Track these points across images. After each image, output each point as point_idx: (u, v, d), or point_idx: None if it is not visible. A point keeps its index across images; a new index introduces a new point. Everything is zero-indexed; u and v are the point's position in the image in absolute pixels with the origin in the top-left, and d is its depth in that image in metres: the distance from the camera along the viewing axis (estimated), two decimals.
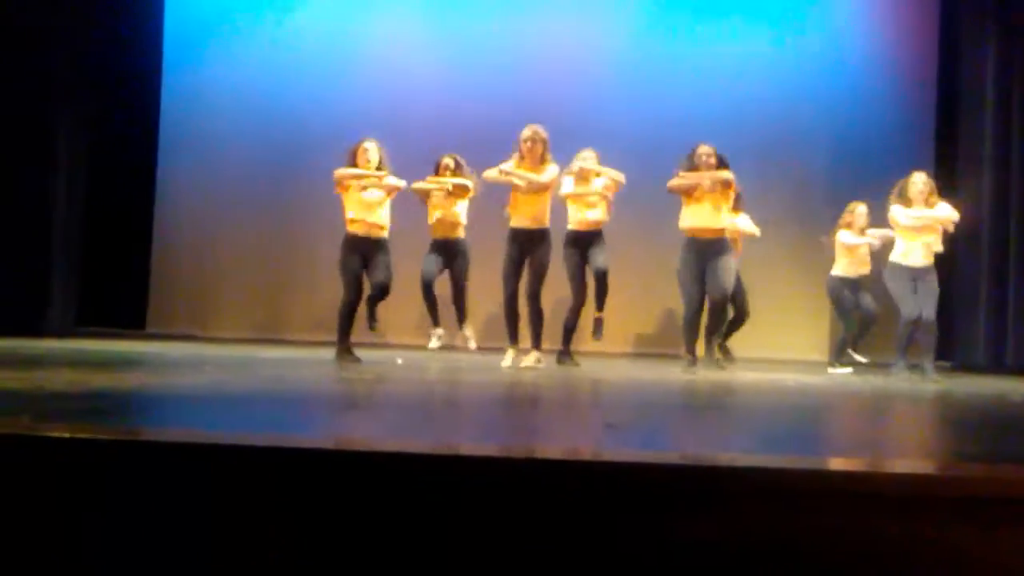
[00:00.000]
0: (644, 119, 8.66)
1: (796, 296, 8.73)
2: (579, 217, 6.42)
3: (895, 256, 6.41)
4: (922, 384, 5.98)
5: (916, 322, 6.25)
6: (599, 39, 9.03)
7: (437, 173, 6.74)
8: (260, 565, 1.82)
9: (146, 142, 9.05)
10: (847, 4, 9.33)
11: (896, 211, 6.33)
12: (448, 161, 6.75)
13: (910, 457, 2.63)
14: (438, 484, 1.85)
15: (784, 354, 8.37)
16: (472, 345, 6.76)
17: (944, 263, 6.83)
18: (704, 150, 6.20)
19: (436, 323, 6.73)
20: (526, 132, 6.11)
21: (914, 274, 6.31)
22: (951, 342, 8.23)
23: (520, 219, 6.06)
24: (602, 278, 6.35)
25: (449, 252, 6.67)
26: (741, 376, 6.09)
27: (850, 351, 7.32)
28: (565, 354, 6.38)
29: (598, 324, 6.39)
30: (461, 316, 6.79)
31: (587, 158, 6.42)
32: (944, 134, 8.90)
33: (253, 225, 8.93)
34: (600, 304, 6.40)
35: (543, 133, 6.11)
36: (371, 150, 6.13)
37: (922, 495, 1.86)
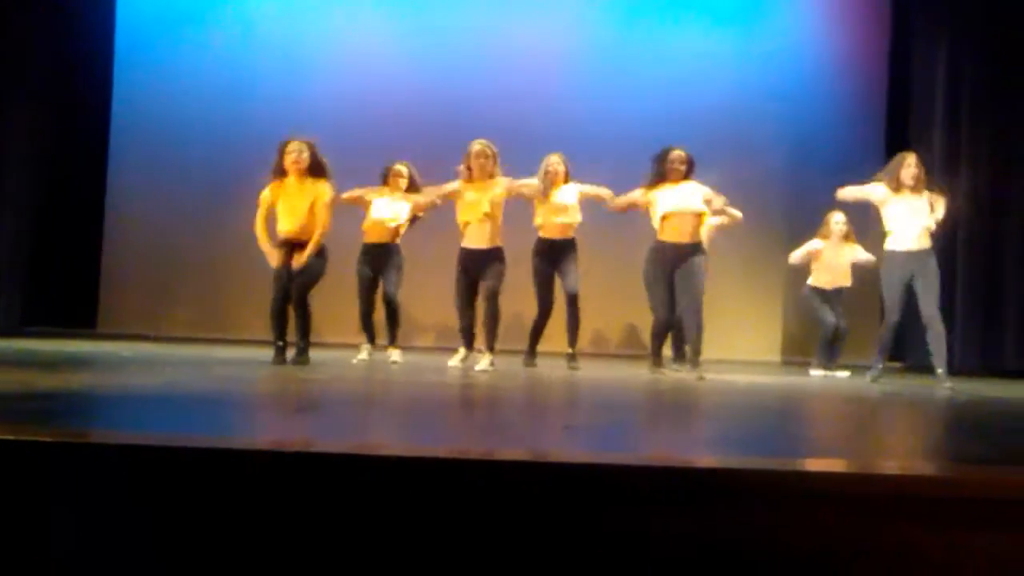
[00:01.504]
0: (605, 118, 8.70)
1: (750, 297, 8.83)
2: (551, 223, 6.32)
3: (890, 244, 6.09)
4: (869, 384, 6.04)
5: (896, 327, 6.15)
6: (559, 38, 9.06)
7: (386, 180, 6.59)
8: (208, 569, 1.79)
9: (97, 139, 8.91)
10: (801, 6, 9.45)
11: (879, 190, 6.09)
12: (401, 168, 6.58)
13: (881, 458, 2.66)
14: (394, 485, 1.83)
15: (738, 355, 8.45)
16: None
17: None
18: (676, 156, 6.06)
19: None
20: (476, 147, 6.01)
21: (912, 264, 5.97)
22: (903, 343, 8.35)
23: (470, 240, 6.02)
24: (573, 303, 6.25)
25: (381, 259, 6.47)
26: (712, 379, 6.07)
27: (819, 362, 7.17)
28: (530, 356, 6.34)
29: (572, 359, 6.28)
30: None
31: (554, 163, 6.33)
32: (895, 136, 9.05)
33: (206, 223, 8.81)
34: (573, 337, 6.30)
35: (493, 148, 6.04)
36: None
37: (893, 496, 1.88)
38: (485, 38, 9.02)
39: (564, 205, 6.32)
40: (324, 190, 5.81)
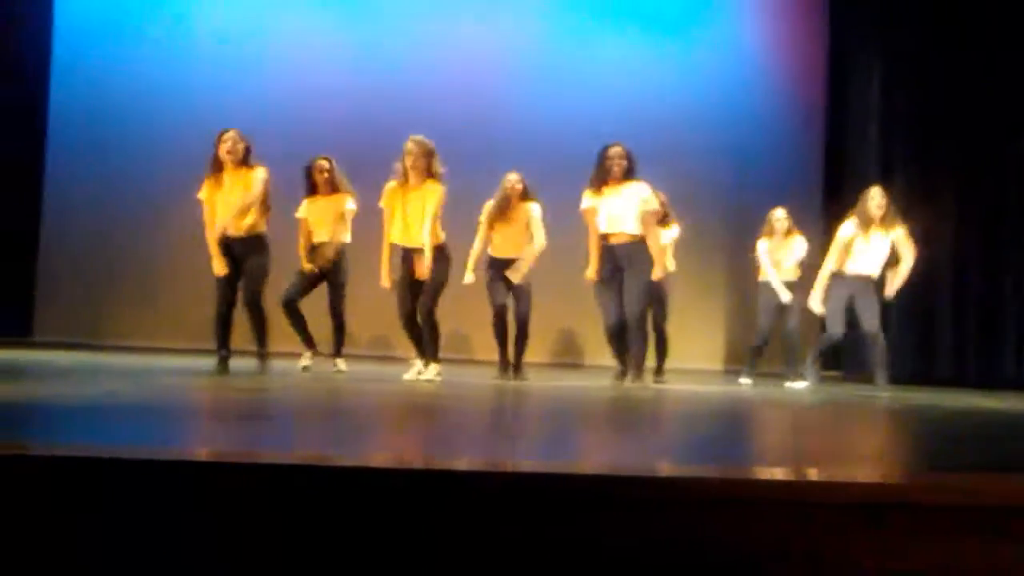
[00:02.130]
0: (546, 123, 8.78)
1: (692, 306, 8.94)
2: (499, 244, 6.32)
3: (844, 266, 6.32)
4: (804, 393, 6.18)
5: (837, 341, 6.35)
6: (501, 44, 9.14)
7: (311, 175, 6.45)
8: None
9: (33, 143, 8.73)
10: (743, 19, 9.64)
11: (848, 229, 6.31)
12: (323, 163, 6.44)
13: (830, 465, 2.71)
14: (337, 495, 1.83)
15: (683, 364, 8.56)
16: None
17: None
18: (615, 152, 5.95)
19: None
20: (408, 145, 5.68)
21: (856, 284, 6.24)
22: (841, 353, 8.55)
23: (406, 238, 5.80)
24: (523, 325, 6.23)
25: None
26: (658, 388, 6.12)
27: (748, 366, 7.28)
28: (506, 367, 6.30)
29: (517, 371, 6.26)
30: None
31: (512, 181, 6.30)
32: (833, 151, 9.27)
33: (145, 229, 8.70)
34: (519, 356, 6.26)
35: (428, 144, 5.72)
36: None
37: (844, 502, 1.93)
38: (426, 41, 9.08)
39: (518, 228, 6.30)
40: (259, 173, 5.63)
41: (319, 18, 9.16)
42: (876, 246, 6.30)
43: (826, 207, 8.72)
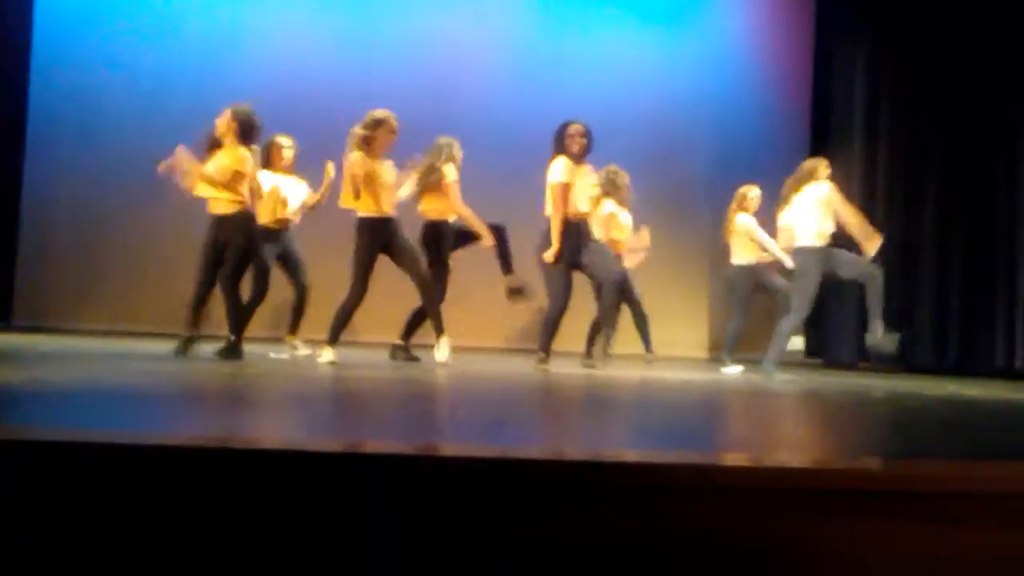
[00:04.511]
0: (530, 114, 8.71)
1: (677, 295, 8.96)
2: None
3: (811, 240, 6.09)
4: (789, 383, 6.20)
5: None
6: (484, 35, 9.09)
7: (271, 155, 6.45)
8: (132, 569, 1.77)
9: (14, 128, 8.62)
10: (728, 11, 9.64)
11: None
12: (284, 140, 6.50)
13: (792, 451, 2.73)
14: (316, 481, 1.83)
15: (666, 351, 8.56)
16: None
17: None
18: (575, 130, 5.91)
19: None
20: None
21: (826, 254, 6.04)
22: (821, 339, 8.59)
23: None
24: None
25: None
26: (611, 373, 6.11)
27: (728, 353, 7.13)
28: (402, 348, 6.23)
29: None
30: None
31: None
32: (816, 141, 9.30)
33: (126, 214, 8.61)
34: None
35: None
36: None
37: (804, 488, 1.93)
38: (413, 34, 9.00)
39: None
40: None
41: (301, 8, 9.09)
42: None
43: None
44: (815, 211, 6.11)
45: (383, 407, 3.55)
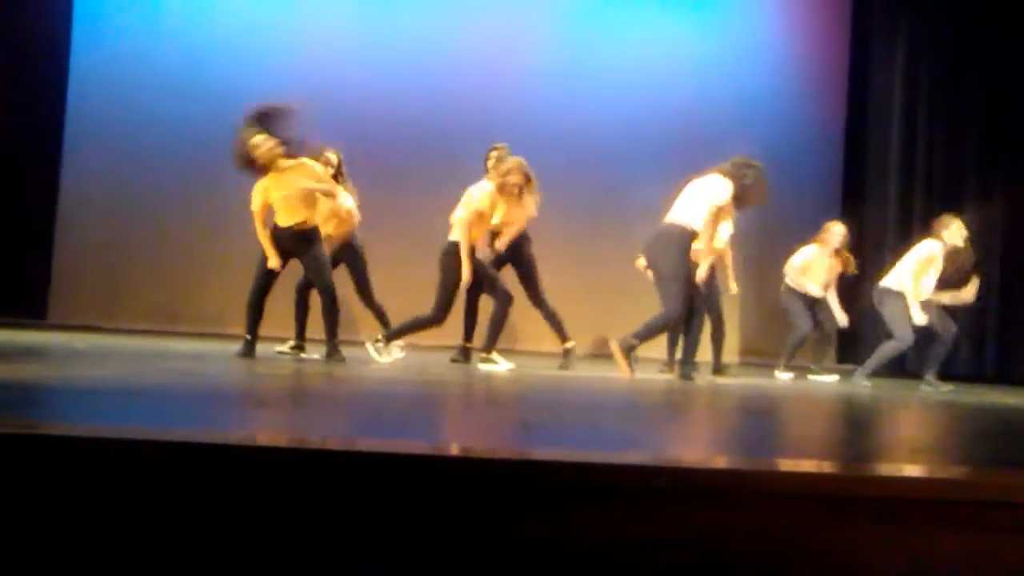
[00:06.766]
0: (564, 114, 8.70)
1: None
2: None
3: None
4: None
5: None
6: (519, 35, 9.05)
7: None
8: (156, 565, 1.76)
9: (52, 125, 8.72)
10: (763, 7, 9.55)
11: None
12: (331, 156, 6.40)
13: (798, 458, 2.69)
14: (328, 479, 1.81)
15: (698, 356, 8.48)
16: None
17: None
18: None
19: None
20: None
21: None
22: (862, 347, 8.47)
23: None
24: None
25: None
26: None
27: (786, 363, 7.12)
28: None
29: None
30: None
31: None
32: (853, 140, 9.19)
33: (163, 212, 8.69)
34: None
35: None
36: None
37: (847, 495, 1.90)
38: (444, 34, 8.98)
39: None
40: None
41: (339, 5, 9.12)
42: None
43: (845, 200, 8.66)
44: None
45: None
